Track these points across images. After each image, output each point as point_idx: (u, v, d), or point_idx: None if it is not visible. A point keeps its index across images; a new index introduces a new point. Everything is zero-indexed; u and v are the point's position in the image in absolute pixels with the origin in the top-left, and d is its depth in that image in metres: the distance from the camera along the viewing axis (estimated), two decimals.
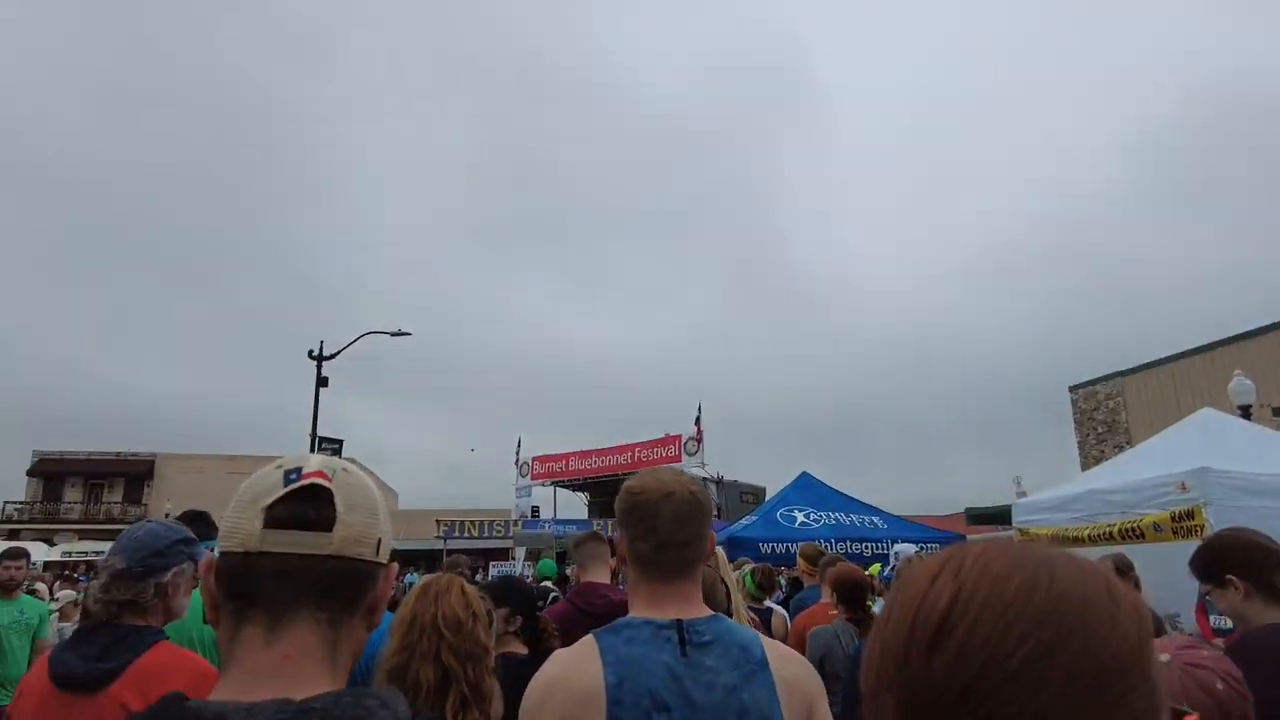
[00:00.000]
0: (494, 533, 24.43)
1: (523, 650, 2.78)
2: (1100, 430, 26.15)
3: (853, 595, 3.99)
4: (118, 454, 42.01)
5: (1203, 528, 5.53)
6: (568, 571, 9.18)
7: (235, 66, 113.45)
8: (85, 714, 1.82)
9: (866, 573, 5.31)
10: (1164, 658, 1.25)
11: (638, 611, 1.53)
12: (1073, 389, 27.73)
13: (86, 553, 27.35)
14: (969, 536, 13.37)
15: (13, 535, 30.16)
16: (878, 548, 11.40)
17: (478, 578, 10.26)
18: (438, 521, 23.85)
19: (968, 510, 15.15)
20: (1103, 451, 24.47)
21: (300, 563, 0.78)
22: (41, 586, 7.97)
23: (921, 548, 11.00)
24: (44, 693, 1.85)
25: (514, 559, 25.77)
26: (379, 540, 0.84)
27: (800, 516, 12.07)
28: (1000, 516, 11.64)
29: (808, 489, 13.03)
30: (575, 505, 33.13)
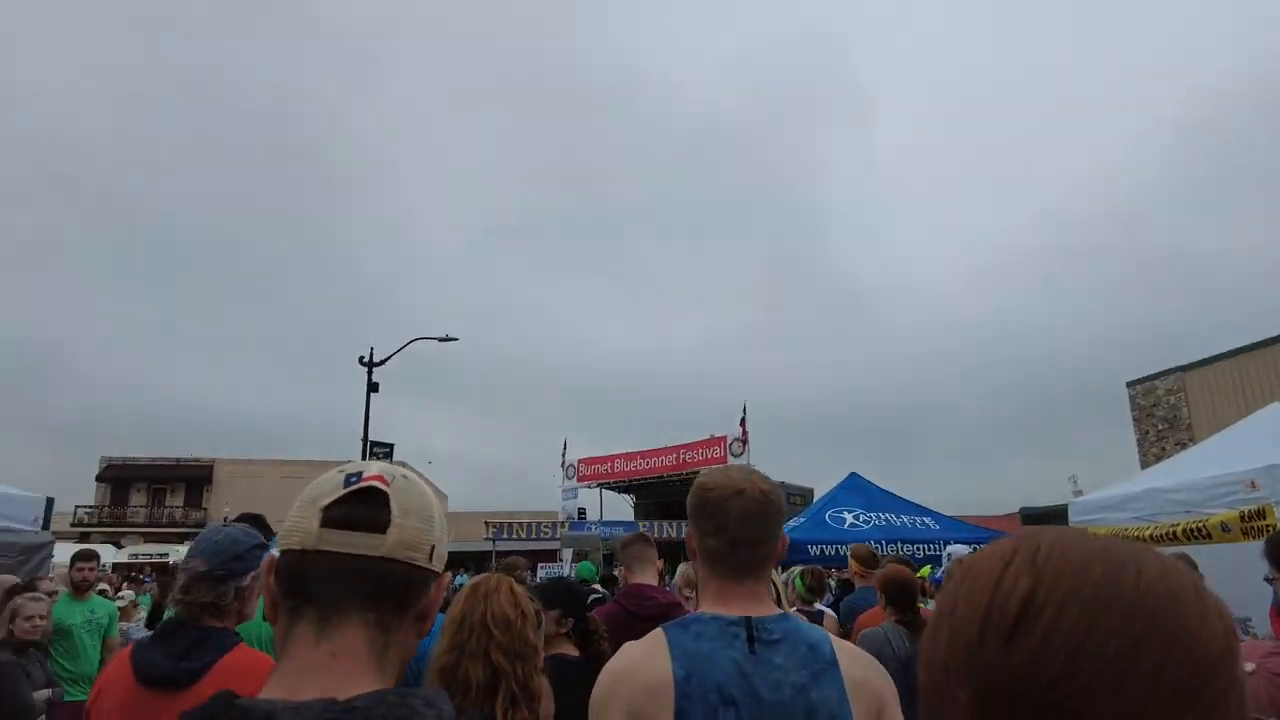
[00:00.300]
0: (542, 534, 24.60)
1: (574, 652, 2.79)
2: (1161, 427, 25.28)
3: (902, 596, 3.91)
4: (179, 460, 43.44)
5: (1274, 528, 5.31)
6: (615, 572, 9.20)
7: (285, 85, 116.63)
8: (171, 711, 1.86)
9: (917, 574, 5.22)
10: (1249, 667, 1.19)
11: (706, 608, 1.54)
12: (1130, 385, 26.86)
13: (151, 555, 28.27)
14: None
15: (84, 538, 31.35)
16: (929, 549, 11.19)
17: (527, 579, 10.33)
18: (486, 523, 24.09)
19: (1022, 510, 14.80)
20: (1163, 449, 23.66)
21: (353, 563, 0.79)
22: (106, 587, 8.27)
23: (975, 548, 10.77)
24: (128, 689, 1.90)
25: (561, 560, 25.93)
26: (432, 547, 0.85)
27: (849, 518, 11.91)
28: (1056, 516, 11.33)
29: (857, 490, 12.85)
30: (621, 507, 33.23)
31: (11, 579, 5.81)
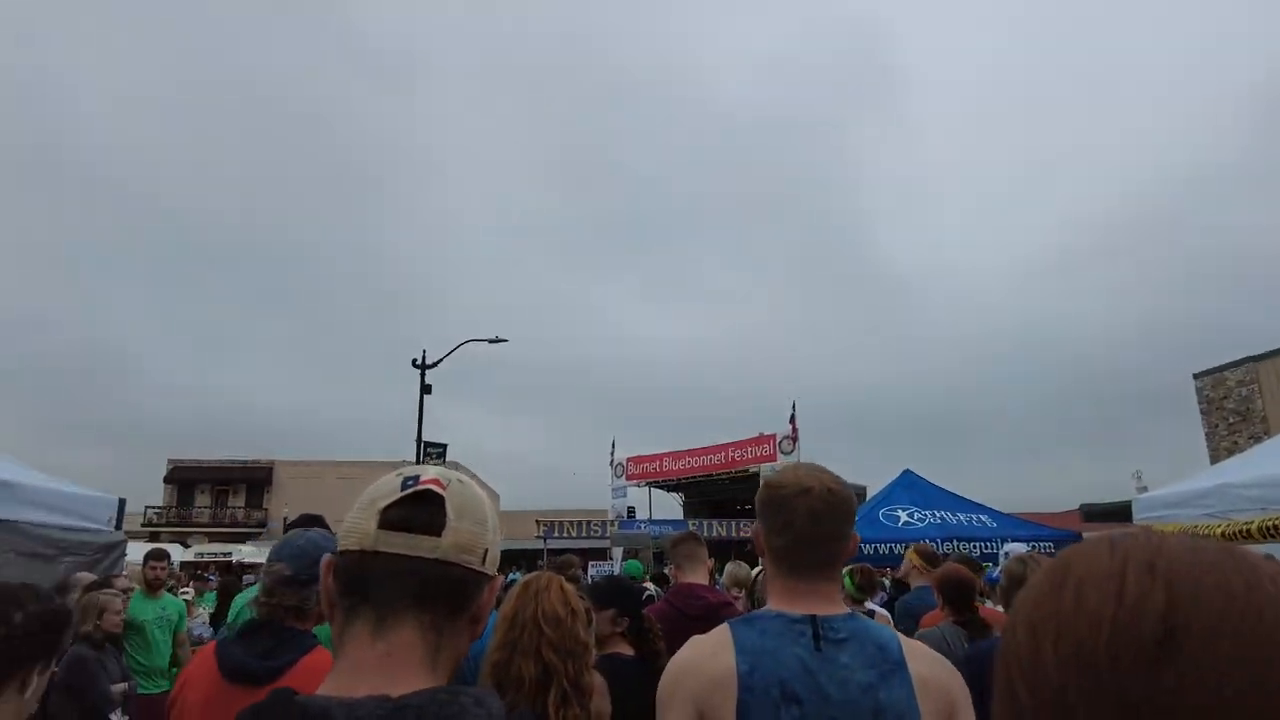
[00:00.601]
0: (592, 533, 24.74)
1: (629, 651, 2.79)
2: (1232, 420, 24.28)
3: (960, 597, 3.83)
4: (240, 462, 44.78)
5: None
6: (665, 571, 9.20)
7: (326, 93, 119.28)
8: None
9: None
10: None
11: (773, 605, 1.54)
12: (1198, 377, 25.85)
13: (216, 554, 29.24)
14: (1085, 534, 12.68)
15: (153, 537, 32.56)
16: (987, 547, 10.94)
17: (580, 576, 10.40)
18: (538, 522, 24.37)
19: (1083, 506, 14.36)
20: (1235, 442, 22.71)
21: (408, 564, 0.81)
22: (173, 584, 8.59)
23: (1033, 546, 10.50)
24: (212, 684, 2.00)
25: (612, 559, 26.03)
26: (486, 550, 0.86)
27: (904, 516, 11.72)
28: (1119, 513, 10.96)
29: (911, 487, 12.64)
30: (670, 505, 33.22)
31: (90, 576, 6.08)
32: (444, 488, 0.84)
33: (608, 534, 24.54)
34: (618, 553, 25.34)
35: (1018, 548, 7.04)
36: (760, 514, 1.62)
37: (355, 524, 0.83)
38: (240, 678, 1.96)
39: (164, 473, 44.28)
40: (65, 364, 77.65)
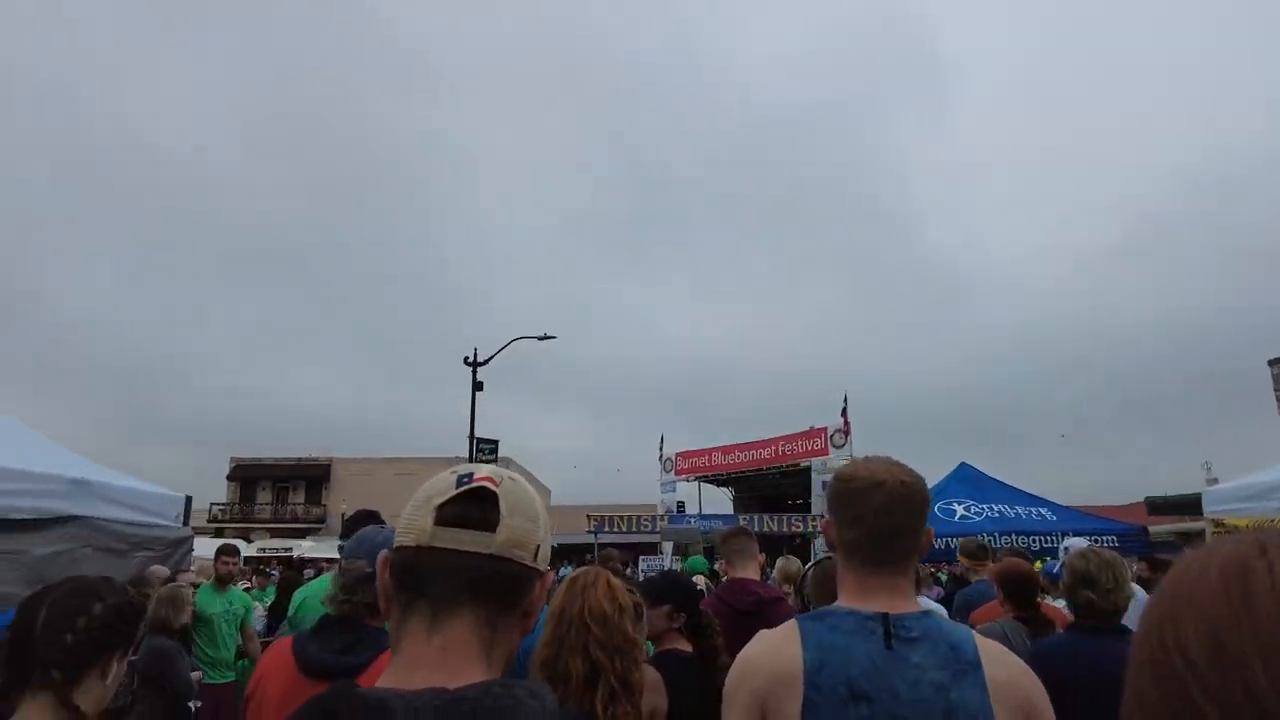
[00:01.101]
0: (642, 527, 24.76)
1: (686, 648, 2.76)
2: None
3: (1021, 592, 3.74)
4: (299, 459, 46.01)
5: None
6: (716, 566, 9.17)
7: (367, 104, 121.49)
8: None
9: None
10: None
11: (844, 601, 1.51)
12: (1273, 363, 24.73)
13: (277, 549, 30.13)
14: (1151, 528, 12.25)
15: (218, 533, 33.69)
16: (1046, 541, 10.66)
17: (628, 572, 10.43)
18: (588, 516, 24.46)
19: (1148, 499, 13.79)
20: None
21: (463, 560, 0.83)
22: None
23: (1094, 540, 10.19)
24: (291, 679, 2.04)
25: (662, 553, 26.04)
26: (537, 546, 0.88)
27: (960, 509, 11.48)
28: (1188, 506, 10.54)
29: (967, 480, 12.39)
30: (720, 500, 33.14)
31: (164, 570, 6.32)
32: (497, 485, 0.86)
33: (658, 529, 24.54)
34: (668, 547, 25.36)
35: (1078, 542, 6.80)
36: (831, 507, 1.60)
37: (412, 521, 0.85)
38: (321, 674, 1.99)
39: (227, 470, 45.77)
40: (135, 368, 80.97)
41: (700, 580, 7.03)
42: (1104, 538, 10.79)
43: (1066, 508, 12.43)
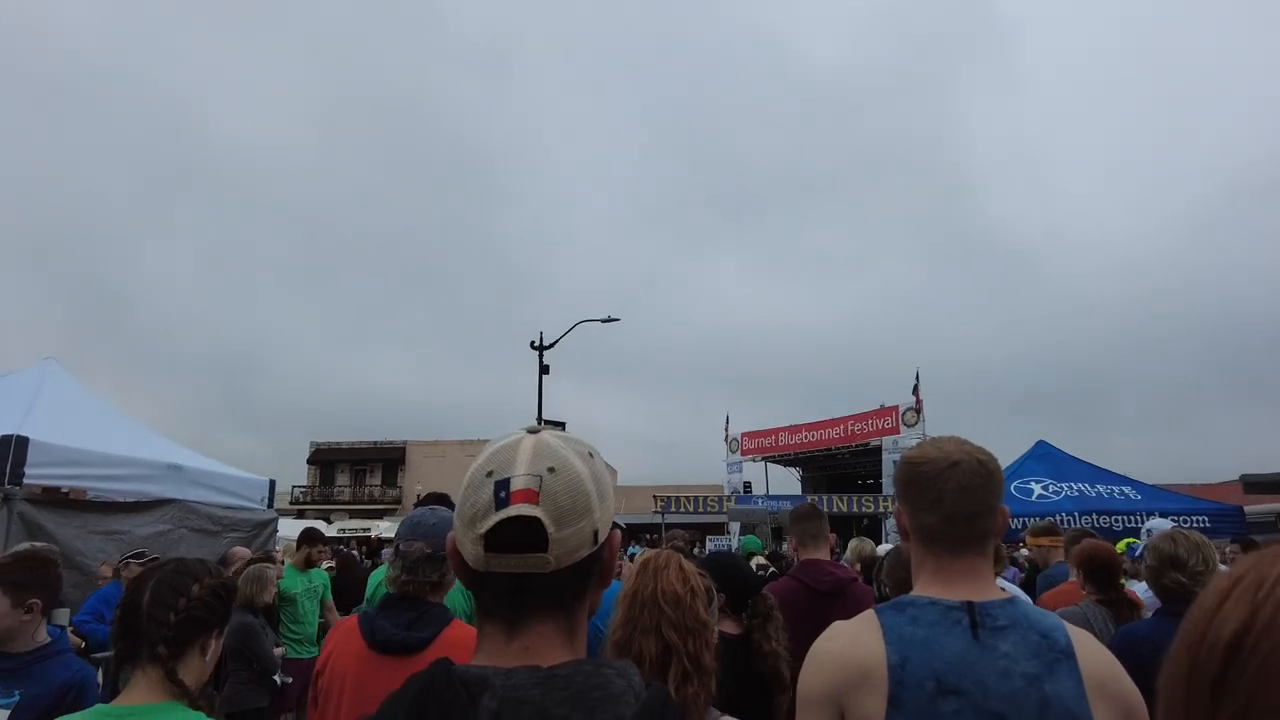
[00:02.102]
0: (709, 508, 24.78)
1: (732, 629, 2.76)
2: None
3: (1101, 573, 3.61)
4: (375, 443, 47.53)
5: None
6: (782, 548, 9.14)
7: (431, 92, 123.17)
8: (402, 674, 2.10)
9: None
10: None
11: (923, 589, 1.45)
12: None
13: (356, 529, 31.27)
14: (1247, 509, 11.65)
15: (299, 515, 35.13)
16: (1129, 521, 10.24)
17: (695, 552, 10.48)
18: (655, 497, 24.61)
19: (1243, 477, 13.11)
20: None
21: (526, 580, 0.82)
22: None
23: (1184, 521, 9.73)
24: (360, 654, 2.17)
25: (730, 534, 26.04)
26: (596, 532, 0.85)
27: (1037, 489, 11.14)
28: None
29: (1045, 458, 12.00)
30: (787, 480, 32.91)
31: (246, 551, 6.65)
32: (536, 499, 0.81)
33: (724, 509, 24.54)
34: (735, 528, 25.33)
35: (1161, 524, 6.48)
36: (903, 494, 1.53)
37: (462, 543, 0.84)
38: (389, 648, 2.12)
39: (307, 454, 47.61)
40: (224, 357, 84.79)
41: (761, 560, 7.01)
42: (1195, 518, 10.32)
43: (1154, 486, 11.92)
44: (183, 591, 1.61)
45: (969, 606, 1.36)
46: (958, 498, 1.43)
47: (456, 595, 2.98)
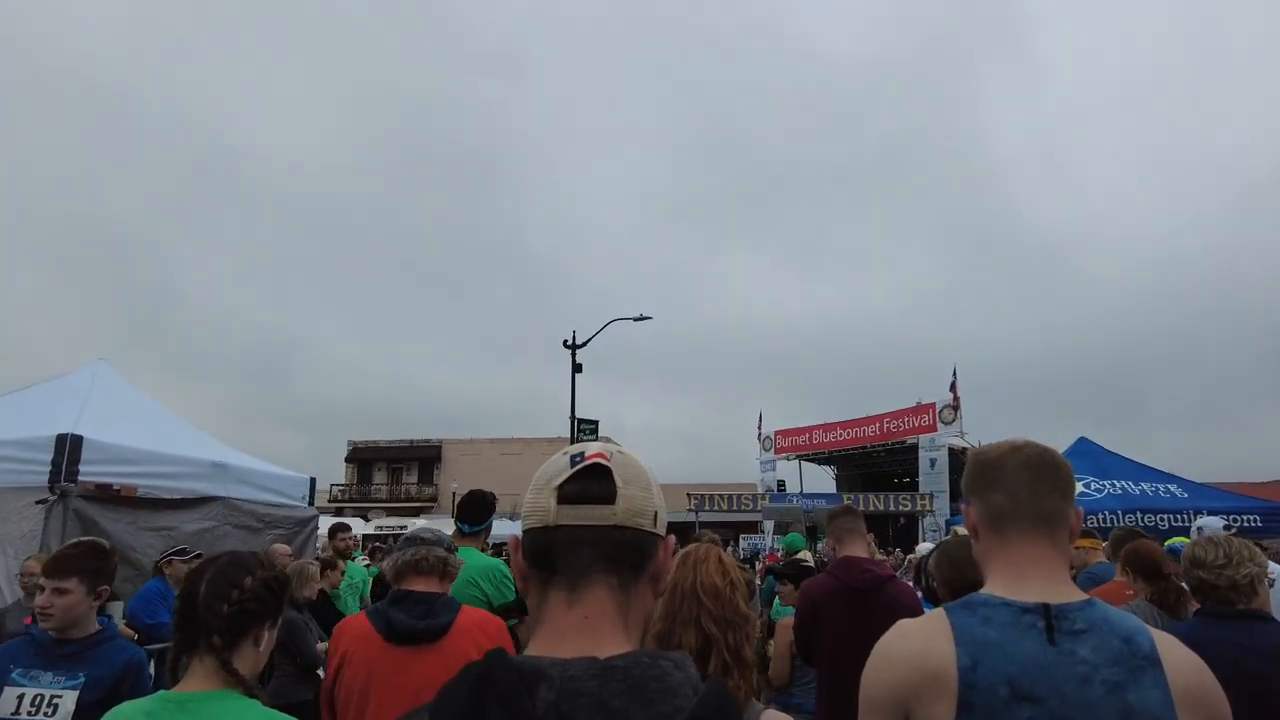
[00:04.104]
0: (743, 506, 24.69)
1: None
2: None
3: (1150, 569, 3.56)
4: (411, 441, 48.16)
5: None
6: (818, 548, 9.08)
7: (451, 93, 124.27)
8: (420, 662, 2.28)
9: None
10: None
11: (994, 586, 1.36)
12: None
13: (393, 527, 31.69)
14: None
15: (338, 513, 35.70)
16: (1176, 519, 10.01)
17: (729, 550, 10.47)
18: (688, 495, 24.58)
19: None
20: None
21: (591, 534, 0.87)
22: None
23: (1234, 519, 9.47)
24: (376, 646, 2.27)
25: (763, 532, 25.91)
26: (655, 513, 0.92)
27: (1079, 487, 10.86)
28: None
29: (1087, 455, 11.76)
30: (822, 478, 32.66)
31: (286, 548, 6.79)
32: (609, 460, 0.90)
33: (758, 507, 24.44)
34: (769, 526, 25.20)
35: (1213, 522, 6.28)
36: (970, 487, 1.47)
37: (535, 504, 0.90)
38: (409, 638, 2.29)
39: (345, 453, 48.40)
40: (260, 357, 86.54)
41: (807, 556, 6.98)
42: (1245, 517, 10.05)
43: (1201, 484, 11.64)
44: (236, 583, 1.65)
45: (1044, 609, 1.28)
46: (1021, 474, 1.39)
47: (460, 586, 3.07)
